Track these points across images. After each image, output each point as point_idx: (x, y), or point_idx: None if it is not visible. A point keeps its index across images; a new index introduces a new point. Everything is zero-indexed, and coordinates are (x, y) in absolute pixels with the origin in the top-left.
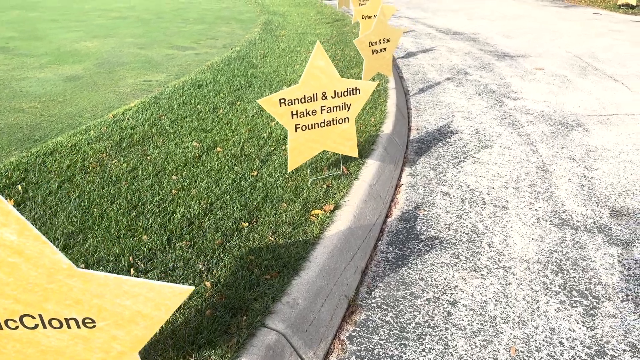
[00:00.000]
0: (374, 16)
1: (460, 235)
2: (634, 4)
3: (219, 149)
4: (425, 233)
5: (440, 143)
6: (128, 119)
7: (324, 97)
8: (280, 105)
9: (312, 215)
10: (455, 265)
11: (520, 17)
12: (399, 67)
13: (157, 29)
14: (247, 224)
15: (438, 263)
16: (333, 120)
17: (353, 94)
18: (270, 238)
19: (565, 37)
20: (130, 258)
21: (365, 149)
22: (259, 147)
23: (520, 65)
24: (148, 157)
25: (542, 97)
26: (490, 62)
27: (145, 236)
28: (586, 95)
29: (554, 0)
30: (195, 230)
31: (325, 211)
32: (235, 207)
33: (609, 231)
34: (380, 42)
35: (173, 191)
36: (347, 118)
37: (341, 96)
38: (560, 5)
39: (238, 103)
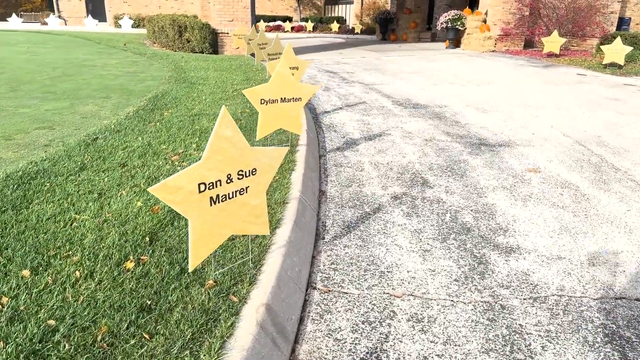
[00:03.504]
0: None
1: None
2: (622, 64)
3: None
4: None
5: None
6: None
7: None
8: None
9: None
10: None
11: (494, 80)
12: (327, 169)
13: None
14: None
15: None
16: None
17: None
18: None
19: (556, 111)
20: None
21: None
22: None
23: (504, 163)
24: None
25: (552, 242)
26: (461, 157)
27: None
28: (625, 235)
29: (531, 58)
30: None
31: None
32: None
33: None
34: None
35: None
36: None
37: None
38: (539, 65)
39: None
